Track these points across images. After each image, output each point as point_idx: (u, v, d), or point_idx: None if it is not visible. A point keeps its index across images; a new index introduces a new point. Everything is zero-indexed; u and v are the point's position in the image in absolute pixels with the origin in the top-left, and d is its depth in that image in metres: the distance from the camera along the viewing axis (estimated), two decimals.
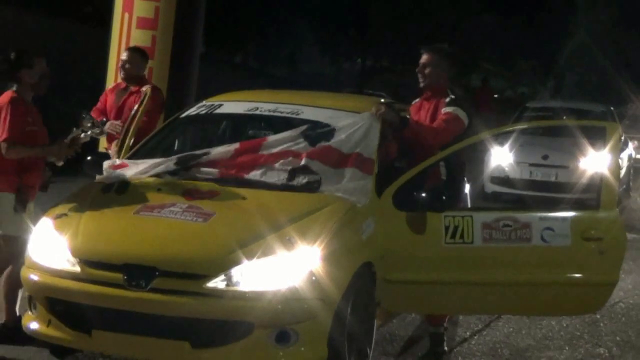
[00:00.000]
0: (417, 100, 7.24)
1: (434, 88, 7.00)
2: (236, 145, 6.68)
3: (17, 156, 6.45)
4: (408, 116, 6.97)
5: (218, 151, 6.65)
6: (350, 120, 6.73)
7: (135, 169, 6.55)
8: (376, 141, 6.62)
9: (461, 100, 7.02)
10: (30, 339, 6.44)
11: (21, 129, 6.43)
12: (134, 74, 8.23)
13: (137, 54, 8.30)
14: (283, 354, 5.48)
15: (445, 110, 6.82)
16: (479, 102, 26.17)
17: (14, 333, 6.50)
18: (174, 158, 6.64)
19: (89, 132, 6.61)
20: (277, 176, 6.44)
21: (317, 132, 6.68)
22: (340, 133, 6.63)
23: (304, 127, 6.72)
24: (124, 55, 8.32)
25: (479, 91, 28.27)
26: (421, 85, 7.06)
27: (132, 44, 9.68)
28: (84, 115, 6.65)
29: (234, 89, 8.14)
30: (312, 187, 6.36)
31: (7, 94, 6.56)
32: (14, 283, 6.53)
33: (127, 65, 8.19)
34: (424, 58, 7.02)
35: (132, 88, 8.20)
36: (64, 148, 6.55)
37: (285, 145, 6.60)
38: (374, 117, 6.69)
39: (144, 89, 7.85)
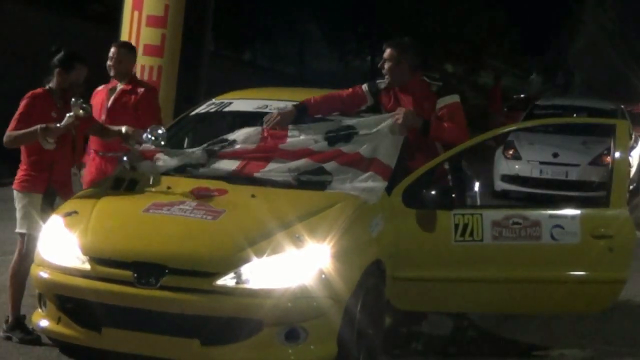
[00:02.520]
0: (382, 82, 7.09)
1: (401, 82, 6.92)
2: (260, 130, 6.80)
3: (11, 144, 6.48)
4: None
5: (245, 132, 6.79)
6: (373, 127, 6.74)
7: (164, 161, 6.66)
8: (398, 150, 6.64)
9: (447, 83, 6.94)
10: (30, 338, 6.51)
11: (33, 125, 6.38)
12: (122, 70, 7.79)
13: (123, 49, 7.90)
14: (292, 351, 5.49)
15: (445, 102, 6.76)
16: (490, 101, 26.20)
17: (15, 329, 6.55)
18: (201, 149, 6.77)
19: (73, 115, 6.45)
20: (288, 175, 6.44)
21: (339, 134, 6.72)
22: (361, 137, 6.66)
23: (327, 128, 6.80)
24: (110, 52, 7.84)
25: (492, 90, 28.28)
26: (387, 81, 6.98)
27: (141, 42, 9.69)
28: (74, 101, 6.47)
29: (242, 87, 8.15)
30: (321, 185, 6.36)
31: (37, 89, 6.63)
32: (22, 280, 6.61)
33: (112, 62, 7.77)
34: (385, 54, 6.94)
35: (124, 86, 7.75)
36: (51, 130, 6.36)
37: (304, 142, 6.68)
38: (395, 126, 6.69)
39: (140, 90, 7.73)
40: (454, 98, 6.80)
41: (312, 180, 6.42)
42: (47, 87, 6.65)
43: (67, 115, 6.41)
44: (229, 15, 27.41)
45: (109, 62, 7.71)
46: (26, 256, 6.48)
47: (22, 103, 6.55)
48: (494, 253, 6.38)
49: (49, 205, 6.50)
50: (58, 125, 6.39)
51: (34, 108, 6.52)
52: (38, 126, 6.35)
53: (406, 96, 6.92)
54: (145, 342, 5.56)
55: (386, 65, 6.92)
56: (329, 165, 6.50)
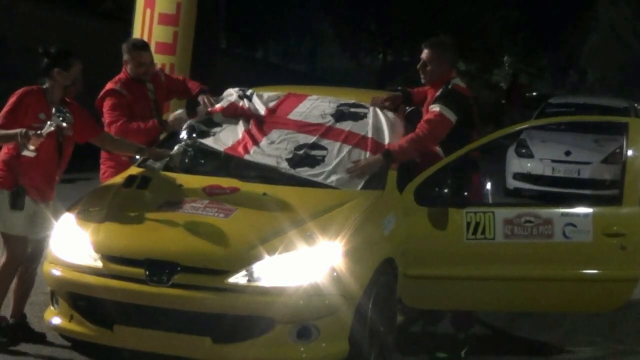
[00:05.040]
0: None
1: (436, 82, 6.94)
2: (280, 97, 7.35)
3: None
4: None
5: (268, 95, 7.36)
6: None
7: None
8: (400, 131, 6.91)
9: (450, 92, 6.78)
10: (34, 338, 6.50)
11: (20, 122, 6.15)
12: (152, 70, 7.76)
13: (150, 51, 7.83)
14: (304, 349, 5.49)
15: (431, 107, 6.72)
16: (512, 98, 26.24)
17: (18, 330, 6.51)
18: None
19: (54, 123, 6.11)
20: (284, 149, 6.70)
21: (350, 111, 7.05)
22: (369, 122, 6.93)
23: (342, 102, 7.17)
24: (145, 57, 7.58)
25: (511, 87, 28.34)
26: (423, 82, 7.03)
27: (153, 40, 9.68)
28: (55, 110, 6.19)
29: (255, 85, 8.15)
30: (315, 161, 6.54)
31: (31, 87, 6.39)
32: (25, 283, 6.56)
33: (145, 67, 7.58)
34: (425, 55, 6.92)
35: (150, 83, 7.69)
36: (29, 138, 5.99)
37: (311, 115, 7.05)
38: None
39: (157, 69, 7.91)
40: (442, 109, 6.61)
41: (308, 155, 6.61)
42: (43, 87, 6.40)
43: (48, 123, 6.09)
44: (241, 12, 27.44)
45: (140, 69, 7.48)
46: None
47: (11, 100, 6.30)
48: (505, 251, 6.37)
49: (18, 204, 6.27)
50: (39, 132, 6.02)
51: (21, 107, 6.26)
52: (18, 131, 6.03)
53: (432, 93, 6.96)
54: (157, 339, 5.57)
55: (428, 67, 6.91)
56: (326, 141, 6.74)
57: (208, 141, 6.90)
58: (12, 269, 6.42)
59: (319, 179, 6.40)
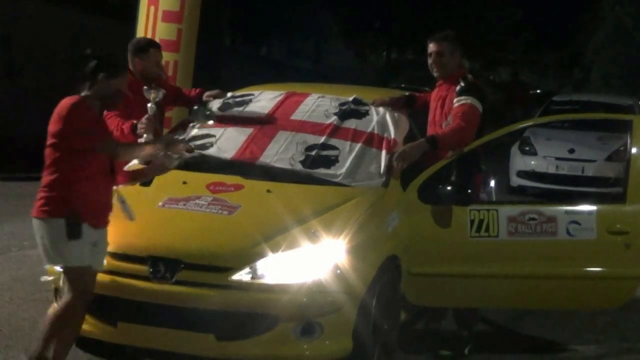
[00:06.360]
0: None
1: (451, 75, 6.90)
2: (280, 97, 7.26)
3: (123, 156, 5.83)
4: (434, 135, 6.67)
5: (265, 95, 7.30)
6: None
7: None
8: (406, 127, 7.01)
9: (472, 85, 6.78)
10: None
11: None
12: (162, 70, 7.54)
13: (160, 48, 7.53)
14: (308, 346, 5.49)
15: (458, 101, 6.64)
16: (512, 96, 26.26)
17: None
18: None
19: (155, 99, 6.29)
20: (294, 151, 6.62)
21: (352, 109, 7.02)
22: (371, 116, 6.95)
23: (345, 100, 7.12)
24: (153, 56, 7.23)
25: (511, 86, 28.35)
26: (436, 75, 6.97)
27: (157, 37, 9.68)
28: (146, 89, 6.35)
29: (259, 82, 8.15)
30: (329, 162, 6.50)
31: (71, 98, 5.49)
32: (58, 321, 5.62)
33: (154, 67, 7.26)
34: (436, 48, 6.89)
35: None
36: (174, 143, 5.89)
37: (315, 114, 6.98)
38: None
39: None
40: (473, 100, 6.61)
41: (320, 155, 6.55)
42: (82, 94, 5.56)
43: (149, 105, 6.15)
44: (245, 10, 27.44)
45: (150, 68, 7.19)
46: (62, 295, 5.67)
47: (77, 113, 5.39)
48: (509, 249, 6.36)
49: (74, 232, 5.44)
50: (178, 136, 5.99)
51: (100, 118, 5.66)
52: (159, 141, 5.84)
53: (441, 90, 6.93)
54: (160, 336, 5.57)
55: (442, 60, 6.88)
56: (336, 141, 6.70)
57: (211, 152, 6.77)
58: (81, 306, 5.59)
59: (338, 180, 6.39)
